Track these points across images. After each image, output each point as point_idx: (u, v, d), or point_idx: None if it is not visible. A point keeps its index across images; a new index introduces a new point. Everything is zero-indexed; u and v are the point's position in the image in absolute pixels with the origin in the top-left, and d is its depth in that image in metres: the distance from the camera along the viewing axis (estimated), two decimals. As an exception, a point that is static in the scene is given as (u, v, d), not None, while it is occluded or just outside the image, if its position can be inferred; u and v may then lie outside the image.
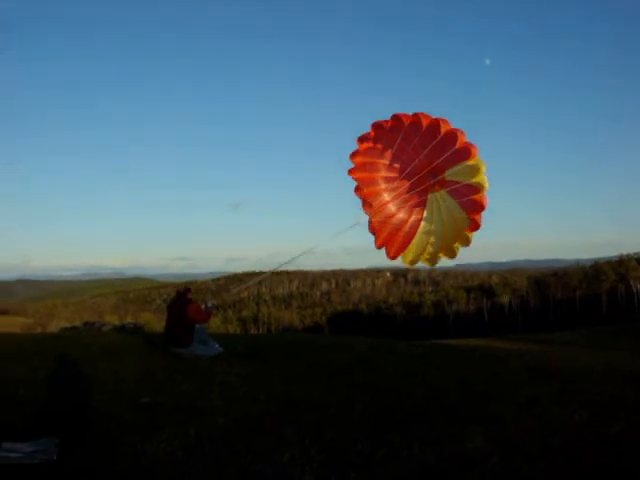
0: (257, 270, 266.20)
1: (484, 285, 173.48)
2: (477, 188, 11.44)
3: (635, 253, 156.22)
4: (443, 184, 11.94)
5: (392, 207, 12.63)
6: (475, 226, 11.86)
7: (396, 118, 11.18)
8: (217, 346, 12.02)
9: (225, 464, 4.69)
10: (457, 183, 11.70)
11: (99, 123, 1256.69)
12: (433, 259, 12.51)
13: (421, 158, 11.63)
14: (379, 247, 12.44)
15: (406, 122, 11.18)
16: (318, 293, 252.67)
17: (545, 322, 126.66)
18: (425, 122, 11.06)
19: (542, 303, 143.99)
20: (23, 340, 16.53)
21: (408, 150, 11.78)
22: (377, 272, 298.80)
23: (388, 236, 12.57)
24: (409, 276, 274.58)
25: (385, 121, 11.37)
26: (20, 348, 12.75)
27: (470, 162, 11.18)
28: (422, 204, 12.62)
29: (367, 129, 11.68)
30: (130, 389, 7.71)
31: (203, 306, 12.10)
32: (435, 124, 11.00)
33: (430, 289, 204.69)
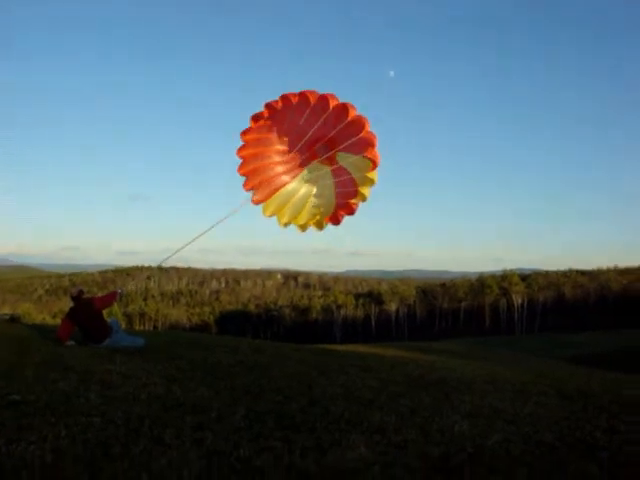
0: (145, 264, 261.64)
1: (373, 292, 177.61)
2: (357, 182, 12.27)
3: (518, 269, 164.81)
4: (332, 162, 12.45)
5: (279, 175, 13.05)
6: (348, 210, 13.01)
7: (285, 97, 11.52)
8: (140, 339, 12.22)
9: (99, 468, 4.46)
10: (346, 171, 12.36)
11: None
12: (304, 227, 13.44)
13: (314, 130, 11.95)
14: (247, 190, 12.80)
15: (294, 100, 11.51)
16: (207, 291, 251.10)
17: (430, 331, 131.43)
18: (313, 98, 11.42)
19: (428, 312, 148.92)
20: None
21: (299, 124, 12.06)
22: (268, 273, 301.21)
23: (261, 184, 12.85)
24: (299, 279, 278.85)
25: (275, 101, 11.66)
26: None
27: (367, 155, 11.76)
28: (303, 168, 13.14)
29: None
30: (-1, 385, 7.25)
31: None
32: (324, 99, 11.41)
33: (320, 293, 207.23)
